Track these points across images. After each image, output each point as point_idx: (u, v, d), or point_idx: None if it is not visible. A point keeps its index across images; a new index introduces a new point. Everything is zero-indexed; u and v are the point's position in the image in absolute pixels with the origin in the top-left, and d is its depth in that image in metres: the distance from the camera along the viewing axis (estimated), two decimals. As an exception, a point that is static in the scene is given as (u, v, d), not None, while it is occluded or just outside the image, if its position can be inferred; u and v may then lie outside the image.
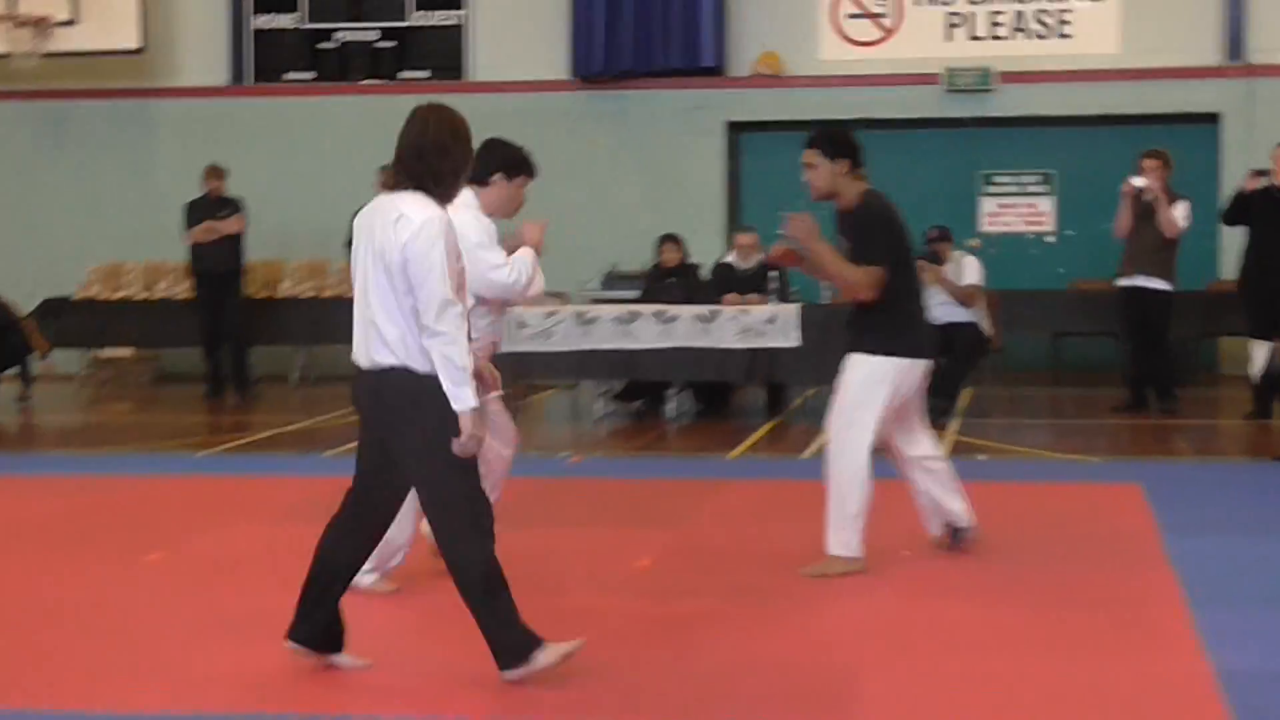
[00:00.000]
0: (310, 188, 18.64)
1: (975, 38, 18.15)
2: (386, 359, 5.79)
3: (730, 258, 15.03)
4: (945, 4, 18.19)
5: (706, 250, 16.38)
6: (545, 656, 5.79)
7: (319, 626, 6.03)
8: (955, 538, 8.03)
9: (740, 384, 14.79)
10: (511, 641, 5.79)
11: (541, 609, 7.10)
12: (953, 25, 18.19)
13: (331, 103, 19.04)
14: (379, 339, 5.80)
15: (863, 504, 7.71)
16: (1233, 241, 15.17)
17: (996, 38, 18.11)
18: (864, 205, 7.78)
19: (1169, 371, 14.16)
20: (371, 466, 6.01)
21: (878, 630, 6.80)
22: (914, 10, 18.27)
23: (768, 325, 13.75)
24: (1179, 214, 13.69)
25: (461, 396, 5.66)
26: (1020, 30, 18.06)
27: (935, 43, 18.19)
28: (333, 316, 16.89)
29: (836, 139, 7.91)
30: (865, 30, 18.37)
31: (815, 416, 14.29)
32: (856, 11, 18.37)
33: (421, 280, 5.70)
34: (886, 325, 7.74)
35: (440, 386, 5.68)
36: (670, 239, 15.16)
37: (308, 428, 14.05)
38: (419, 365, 5.74)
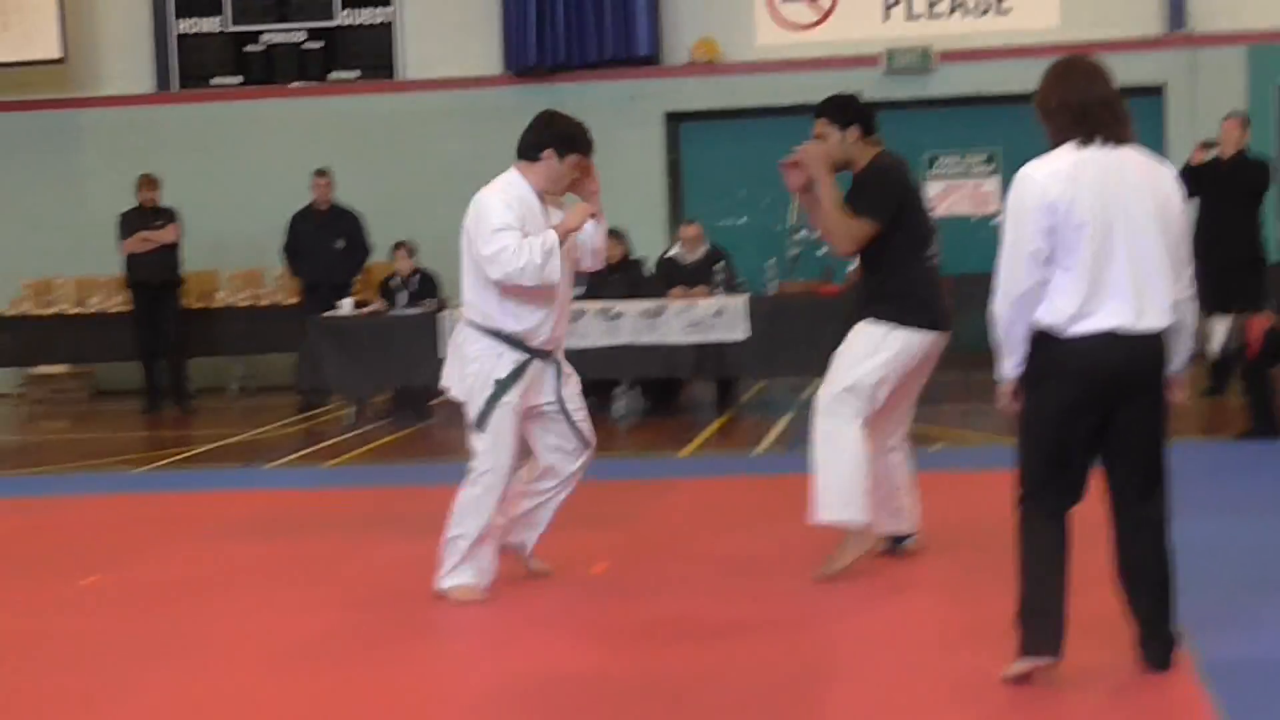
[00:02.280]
0: (243, 194, 18.28)
1: (913, 17, 17.94)
2: (1161, 322, 5.48)
3: (674, 251, 14.76)
4: (881, -15, 17.99)
5: (649, 244, 16.10)
6: None
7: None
8: (896, 545, 7.69)
9: (689, 379, 14.53)
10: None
11: (504, 618, 6.90)
12: (890, 5, 17.97)
13: (260, 106, 18.68)
14: (1158, 302, 5.47)
15: (859, 466, 7.17)
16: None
17: (935, 17, 17.90)
18: (872, 163, 7.40)
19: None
20: (1088, 449, 5.59)
21: (846, 630, 6.55)
22: (849, -8, 18.05)
23: (715, 318, 13.51)
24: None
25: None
26: (958, 8, 17.86)
27: (873, 24, 17.96)
28: (270, 326, 16.70)
29: (846, 105, 7.48)
30: (801, 14, 18.14)
31: (766, 410, 14.15)
32: (791, -5, 18.15)
33: (1181, 236, 5.58)
34: (893, 293, 7.31)
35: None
36: (612, 234, 14.78)
37: (249, 439, 13.72)
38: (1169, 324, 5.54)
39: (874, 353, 7.24)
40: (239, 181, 18.39)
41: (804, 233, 15.71)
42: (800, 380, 15.06)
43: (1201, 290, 13.90)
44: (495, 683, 5.96)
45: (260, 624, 7.00)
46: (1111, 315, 5.40)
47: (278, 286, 17.38)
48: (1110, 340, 5.40)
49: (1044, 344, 5.46)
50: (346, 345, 14.05)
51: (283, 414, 15.21)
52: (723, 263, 14.22)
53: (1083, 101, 5.50)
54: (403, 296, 14.72)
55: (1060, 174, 5.44)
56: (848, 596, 7.09)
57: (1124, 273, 5.40)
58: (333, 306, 14.59)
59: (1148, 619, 5.57)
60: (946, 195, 18.22)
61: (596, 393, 14.27)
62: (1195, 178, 13.35)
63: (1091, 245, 5.38)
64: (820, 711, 5.52)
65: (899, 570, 7.46)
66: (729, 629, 6.59)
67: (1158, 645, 5.56)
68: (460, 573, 7.13)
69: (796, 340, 13.34)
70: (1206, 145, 13.69)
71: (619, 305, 13.63)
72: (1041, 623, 5.48)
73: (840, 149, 7.37)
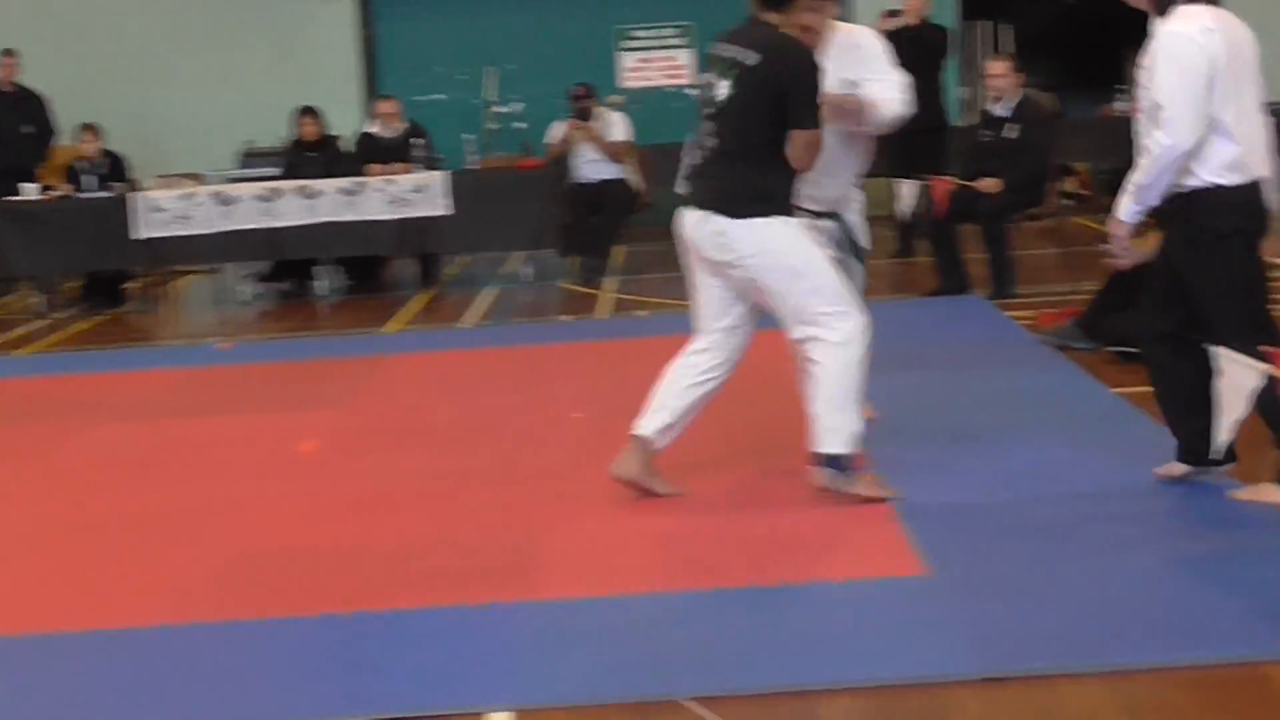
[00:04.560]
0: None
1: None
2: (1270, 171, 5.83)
3: (373, 128, 14.61)
4: None
5: (345, 123, 15.91)
6: None
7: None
8: None
9: (391, 256, 14.45)
10: None
11: (210, 497, 6.85)
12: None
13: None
14: (1265, 151, 5.82)
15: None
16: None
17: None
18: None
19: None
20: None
21: (554, 495, 6.62)
22: None
23: (415, 194, 13.43)
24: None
25: None
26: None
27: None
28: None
29: None
30: (492, -114, 17.99)
31: (470, 285, 14.14)
32: None
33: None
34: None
35: None
36: (308, 111, 14.65)
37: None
38: None
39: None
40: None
41: (499, 107, 15.73)
42: (501, 255, 15.14)
43: (888, 155, 14.39)
44: (204, 564, 5.92)
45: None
46: (1258, 165, 5.76)
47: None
48: (1260, 188, 5.77)
49: (1214, 198, 5.72)
50: (32, 231, 13.60)
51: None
52: (422, 139, 14.13)
53: None
54: (91, 180, 14.32)
55: (1211, 31, 5.65)
56: (557, 460, 7.21)
57: (1256, 124, 5.76)
58: (15, 191, 14.10)
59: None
60: (639, 68, 18.32)
61: (297, 272, 14.20)
62: (881, 46, 13.67)
63: (1238, 100, 5.67)
64: (533, 578, 5.59)
65: (615, 434, 7.54)
66: (440, 502, 6.62)
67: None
68: None
69: (498, 215, 13.37)
70: (891, 14, 13.99)
71: (317, 184, 13.46)
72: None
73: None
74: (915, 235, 13.45)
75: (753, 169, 6.11)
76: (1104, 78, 17.86)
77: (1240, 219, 5.76)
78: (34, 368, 11.15)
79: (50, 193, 14.11)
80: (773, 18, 6.12)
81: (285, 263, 14.06)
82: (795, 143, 6.03)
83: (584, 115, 14.25)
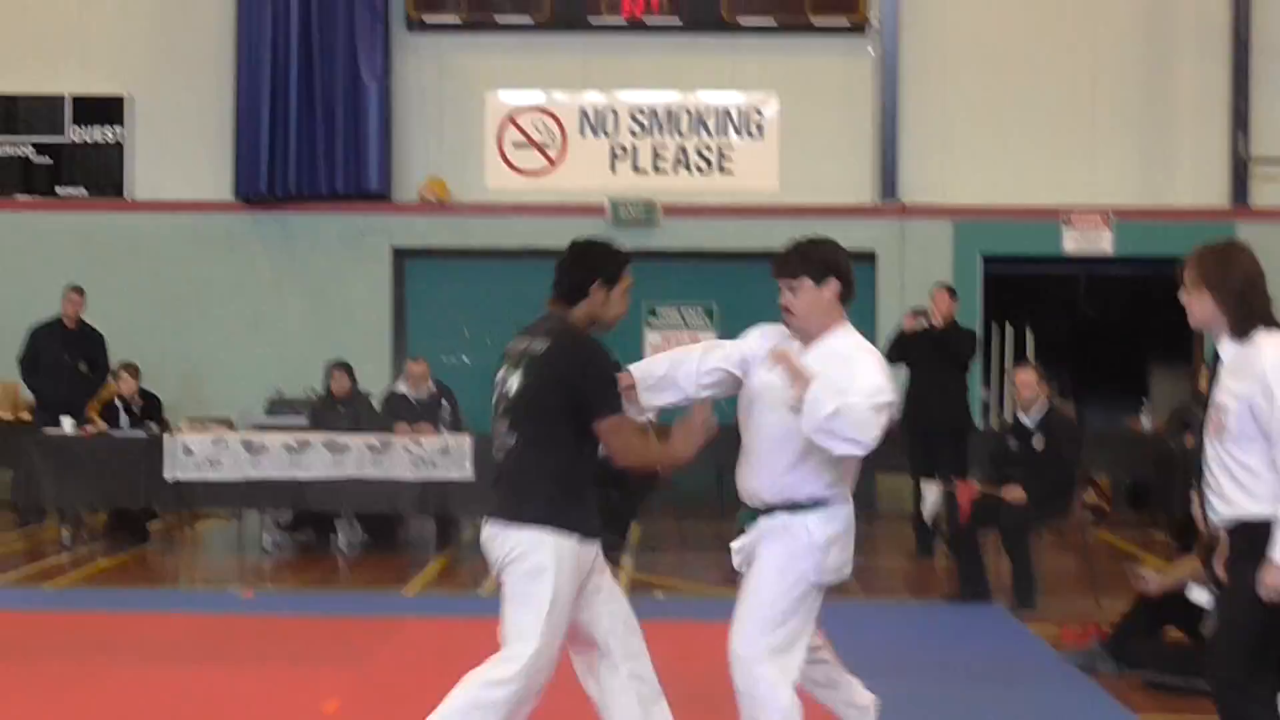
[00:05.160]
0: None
1: (639, 170, 18.48)
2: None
3: (401, 387, 14.92)
4: (609, 136, 18.51)
5: (373, 378, 16.25)
6: None
7: None
8: None
9: (412, 515, 14.64)
10: None
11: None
12: (616, 158, 18.50)
13: (-16, 217, 18.40)
14: None
15: None
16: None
17: (659, 171, 18.47)
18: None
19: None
20: None
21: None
22: (578, 142, 18.53)
23: (440, 456, 13.69)
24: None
25: None
26: (682, 165, 18.46)
27: (600, 174, 18.46)
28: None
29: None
30: (531, 160, 18.55)
31: (487, 549, 14.25)
32: (522, 141, 18.55)
33: None
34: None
35: None
36: (341, 366, 15.00)
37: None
38: None
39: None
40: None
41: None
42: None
43: (912, 456, 14.48)
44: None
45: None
46: None
47: (-2, 398, 17.14)
48: None
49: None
50: (66, 464, 13.88)
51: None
52: (450, 402, 14.43)
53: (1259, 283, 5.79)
54: (125, 418, 14.61)
55: None
56: None
57: None
58: (56, 423, 14.40)
59: None
60: (663, 346, 18.67)
61: (317, 523, 14.39)
62: (905, 345, 13.93)
63: None
64: None
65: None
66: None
67: None
68: None
69: (520, 484, 13.57)
70: (917, 313, 14.19)
71: (345, 438, 13.73)
72: None
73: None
74: (936, 537, 13.42)
75: (542, 468, 5.94)
76: (1126, 389, 18.21)
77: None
78: (57, 602, 11.29)
79: (87, 428, 14.40)
80: (561, 309, 6.13)
81: (306, 513, 14.27)
82: (600, 433, 5.90)
83: (614, 389, 14.53)
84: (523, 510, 5.96)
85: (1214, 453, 5.70)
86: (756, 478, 6.20)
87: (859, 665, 8.64)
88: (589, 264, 6.20)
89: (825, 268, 6.13)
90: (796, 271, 6.13)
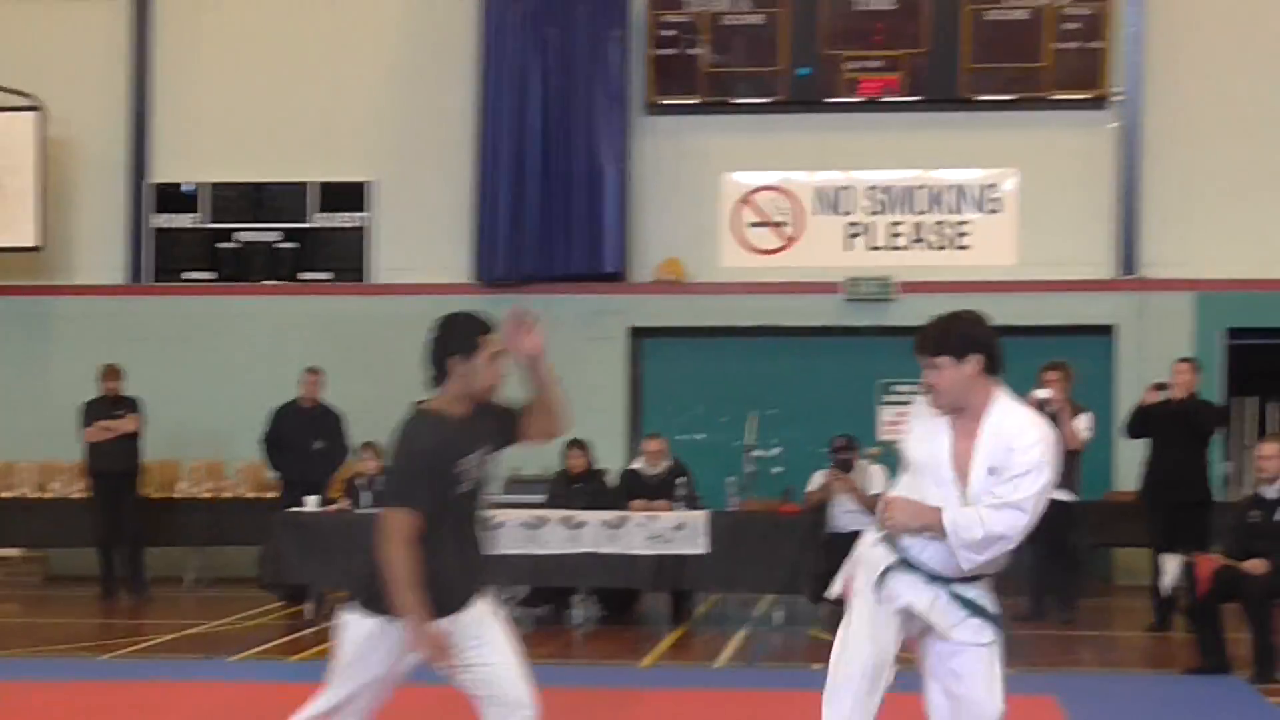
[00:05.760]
0: (208, 387, 18.52)
1: (875, 247, 18.43)
2: None
3: (638, 464, 15.03)
4: (845, 214, 18.49)
5: (608, 456, 16.36)
6: None
7: None
8: None
9: (648, 590, 14.71)
10: None
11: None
12: (853, 235, 18.47)
13: (230, 302, 18.93)
14: None
15: None
16: (1129, 453, 15.35)
17: (896, 248, 18.40)
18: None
19: (1071, 581, 14.25)
20: None
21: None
22: (814, 220, 18.55)
23: (676, 532, 13.73)
24: (1082, 425, 13.83)
25: None
26: (919, 241, 18.37)
27: (835, 252, 18.44)
28: (230, 518, 16.84)
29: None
30: (766, 239, 18.61)
31: (722, 624, 14.30)
32: (758, 220, 18.62)
33: None
34: None
35: None
36: (577, 444, 15.13)
37: (207, 632, 13.77)
38: None
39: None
40: (205, 375, 18.61)
41: (758, 451, 16.04)
42: (753, 596, 15.28)
43: (1152, 529, 14.25)
44: None
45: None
46: None
47: (239, 479, 17.56)
48: None
49: None
50: (309, 542, 14.19)
51: (240, 607, 15.26)
52: (685, 478, 14.49)
53: None
54: (367, 496, 14.90)
55: None
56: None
57: None
58: (300, 503, 14.76)
59: None
60: (899, 421, 18.52)
61: (553, 599, 14.51)
62: (1146, 418, 13.75)
63: None
64: None
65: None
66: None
67: None
68: None
69: (754, 557, 13.65)
70: (1159, 386, 14.00)
71: (581, 514, 13.85)
72: None
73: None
74: (1174, 610, 13.24)
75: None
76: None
77: None
78: (303, 674, 11.45)
79: (330, 507, 14.70)
80: (435, 392, 6.24)
81: (543, 589, 14.39)
82: (376, 526, 5.95)
83: (845, 466, 14.49)
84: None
85: None
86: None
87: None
88: (442, 342, 6.28)
89: (965, 344, 6.05)
90: (935, 350, 6.08)
